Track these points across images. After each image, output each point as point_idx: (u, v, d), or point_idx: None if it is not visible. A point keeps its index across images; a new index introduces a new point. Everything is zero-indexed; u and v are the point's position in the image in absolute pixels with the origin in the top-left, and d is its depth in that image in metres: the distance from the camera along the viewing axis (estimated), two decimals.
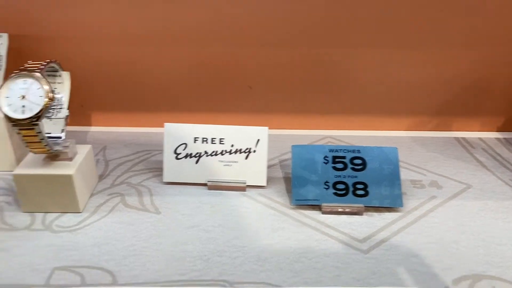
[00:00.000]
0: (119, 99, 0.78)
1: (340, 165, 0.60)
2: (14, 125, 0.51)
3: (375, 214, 0.58)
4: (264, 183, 0.63)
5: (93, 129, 0.81)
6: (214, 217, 0.57)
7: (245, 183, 0.63)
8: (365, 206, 0.58)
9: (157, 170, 0.67)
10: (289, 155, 0.71)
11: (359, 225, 0.56)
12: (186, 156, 0.64)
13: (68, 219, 0.56)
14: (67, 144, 0.57)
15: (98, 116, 0.80)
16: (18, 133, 0.51)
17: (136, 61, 0.75)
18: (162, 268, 0.49)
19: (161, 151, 0.72)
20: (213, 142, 0.63)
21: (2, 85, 0.50)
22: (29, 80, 0.51)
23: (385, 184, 0.59)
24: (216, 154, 0.63)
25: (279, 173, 0.68)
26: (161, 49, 0.73)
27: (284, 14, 0.71)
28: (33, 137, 0.52)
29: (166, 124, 0.64)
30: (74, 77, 0.57)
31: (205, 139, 0.63)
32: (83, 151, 0.59)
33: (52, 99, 0.51)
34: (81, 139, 0.76)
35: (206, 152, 0.63)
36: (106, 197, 0.61)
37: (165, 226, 0.55)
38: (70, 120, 0.57)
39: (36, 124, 0.50)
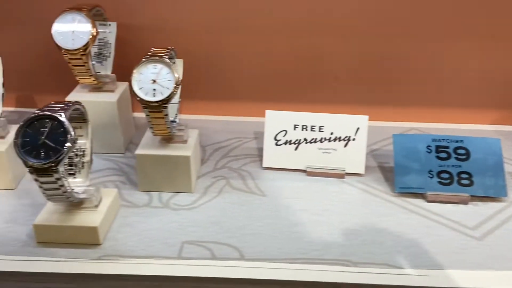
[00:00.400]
0: (206, 88, 0.81)
1: (443, 155, 0.61)
2: (144, 107, 0.54)
3: (480, 203, 0.59)
4: (362, 171, 0.65)
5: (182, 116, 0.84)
6: (319, 201, 0.59)
7: (344, 170, 0.64)
8: (470, 196, 0.59)
9: (252, 156, 0.70)
10: (379, 145, 0.72)
11: (467, 214, 0.57)
12: (285, 143, 0.66)
13: (183, 198, 0.59)
14: (182, 127, 0.60)
15: (186, 105, 0.84)
16: (147, 115, 0.55)
17: (225, 50, 0.77)
18: (282, 246, 0.52)
19: (251, 138, 0.75)
20: (313, 129, 0.65)
21: (134, 70, 0.54)
22: (159, 65, 0.54)
23: (489, 174, 0.59)
24: (315, 142, 0.65)
25: (371, 162, 0.69)
26: (254, 38, 0.76)
27: (371, 5, 0.73)
28: (159, 119, 0.55)
29: (268, 111, 0.66)
30: None
31: (305, 127, 0.65)
32: (193, 135, 0.63)
33: (179, 85, 0.54)
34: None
35: (305, 139, 0.65)
36: (211, 180, 0.64)
37: (274, 208, 0.58)
38: None
39: (165, 107, 0.54)
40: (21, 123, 0.45)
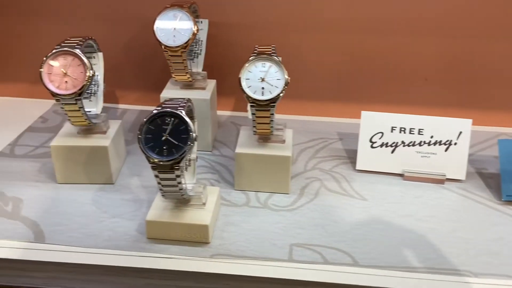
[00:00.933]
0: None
1: None
2: (252, 106, 0.53)
3: None
4: (463, 177, 0.62)
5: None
6: (422, 207, 0.57)
7: (444, 175, 0.62)
8: None
9: (341, 157, 0.68)
10: (472, 150, 0.69)
11: None
12: (381, 145, 0.64)
13: (280, 199, 0.58)
14: (280, 127, 0.59)
15: None
16: (253, 114, 0.54)
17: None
18: (397, 253, 0.50)
19: (336, 139, 0.73)
20: (411, 132, 0.63)
21: (243, 68, 0.53)
22: (268, 64, 0.53)
23: None
24: (413, 145, 0.63)
25: (468, 168, 0.66)
26: (336, 37, 0.74)
27: (463, 5, 0.69)
28: (265, 118, 0.54)
29: (363, 112, 0.64)
30: None
31: (403, 129, 0.63)
32: (289, 135, 0.61)
33: (287, 84, 0.53)
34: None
35: (403, 142, 0.63)
36: (305, 181, 0.62)
37: (377, 213, 0.56)
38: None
39: (273, 106, 0.53)
40: (144, 119, 0.46)
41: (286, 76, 0.53)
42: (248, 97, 0.52)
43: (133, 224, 0.53)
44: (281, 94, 0.53)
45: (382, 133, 0.64)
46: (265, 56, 0.53)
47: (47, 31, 0.78)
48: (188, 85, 0.67)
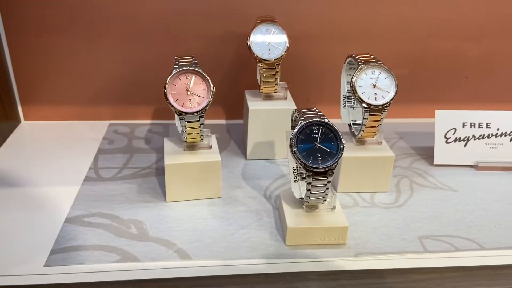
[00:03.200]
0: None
1: None
2: (366, 111, 0.56)
3: None
4: None
5: None
6: (508, 192, 0.63)
7: None
8: None
9: (413, 154, 0.73)
10: None
11: None
12: (455, 140, 0.70)
13: (383, 197, 0.62)
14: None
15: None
16: (365, 119, 0.57)
17: None
18: (510, 234, 0.55)
19: (398, 138, 0.78)
20: (480, 126, 0.69)
21: (355, 76, 0.57)
22: (377, 71, 0.57)
23: None
24: (483, 138, 0.70)
25: None
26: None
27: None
28: (376, 122, 0.58)
29: (438, 111, 0.69)
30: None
31: (473, 124, 0.69)
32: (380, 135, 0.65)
33: (396, 91, 0.57)
34: None
35: (473, 136, 0.69)
36: (394, 179, 0.66)
37: (473, 201, 0.61)
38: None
39: (386, 110, 0.56)
40: (294, 131, 0.47)
41: (395, 82, 0.57)
42: (365, 103, 0.56)
43: (265, 234, 0.54)
44: (393, 98, 0.56)
45: (455, 129, 0.70)
46: (373, 63, 0.57)
47: (96, 50, 0.76)
48: (269, 96, 0.69)
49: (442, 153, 0.70)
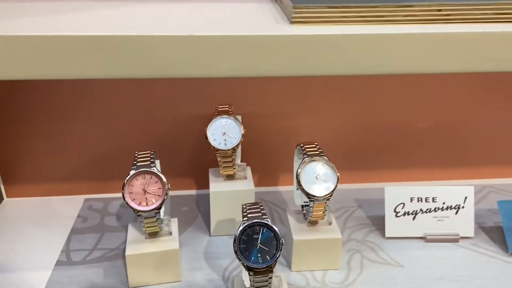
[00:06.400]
0: None
1: None
2: (310, 200, 0.61)
3: None
4: (472, 234, 0.74)
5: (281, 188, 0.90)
6: (451, 268, 0.68)
7: (458, 235, 0.73)
8: None
9: (367, 225, 0.78)
10: None
11: None
12: (404, 214, 0.75)
13: (334, 275, 0.66)
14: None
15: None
16: (310, 206, 0.62)
17: None
18: None
19: (356, 207, 0.83)
20: (427, 201, 0.75)
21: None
22: (319, 164, 0.62)
23: None
24: (430, 211, 0.74)
25: None
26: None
27: None
28: (320, 209, 0.62)
29: (386, 187, 0.75)
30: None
31: (420, 199, 0.75)
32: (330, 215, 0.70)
33: (337, 183, 0.62)
34: None
35: (421, 210, 0.74)
36: (346, 254, 0.71)
37: (417, 277, 0.66)
38: None
39: (329, 199, 0.61)
40: (237, 232, 0.52)
41: (336, 175, 0.62)
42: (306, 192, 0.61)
43: None
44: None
45: (403, 203, 0.75)
46: (316, 156, 0.62)
47: (72, 130, 0.82)
48: (230, 176, 0.74)
49: (393, 226, 0.75)
